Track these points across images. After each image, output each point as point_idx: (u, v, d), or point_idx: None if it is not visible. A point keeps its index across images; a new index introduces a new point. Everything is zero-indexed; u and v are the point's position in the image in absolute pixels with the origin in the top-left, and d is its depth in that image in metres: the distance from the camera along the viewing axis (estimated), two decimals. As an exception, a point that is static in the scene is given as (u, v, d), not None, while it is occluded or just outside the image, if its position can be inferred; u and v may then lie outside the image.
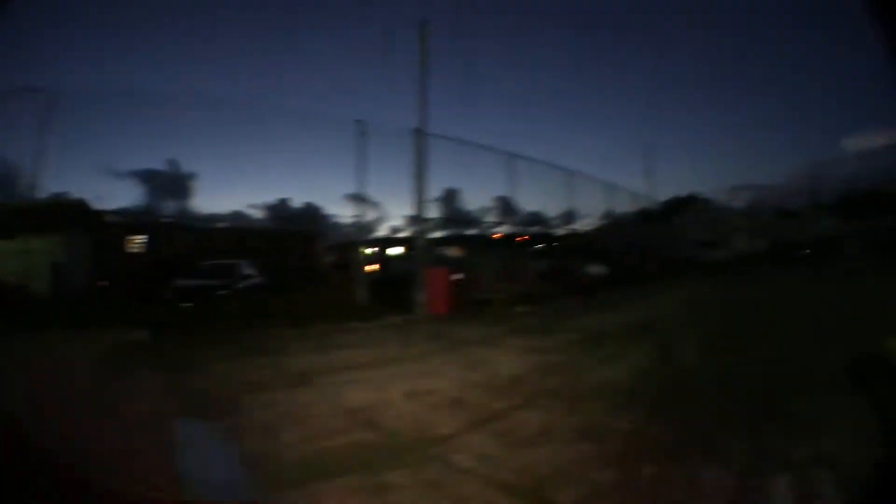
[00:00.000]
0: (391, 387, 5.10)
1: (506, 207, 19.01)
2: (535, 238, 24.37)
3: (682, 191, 46.27)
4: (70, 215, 14.81)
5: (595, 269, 16.50)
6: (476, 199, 26.47)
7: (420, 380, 5.40)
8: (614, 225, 25.89)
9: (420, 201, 13.36)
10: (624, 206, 28.35)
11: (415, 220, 13.46)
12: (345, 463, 3.10)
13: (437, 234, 19.80)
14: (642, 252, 24.33)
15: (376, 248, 20.32)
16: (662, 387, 4.92)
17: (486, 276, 13.73)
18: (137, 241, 16.55)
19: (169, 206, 17.13)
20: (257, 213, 17.94)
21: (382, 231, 23.63)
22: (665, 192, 33.43)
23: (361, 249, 13.78)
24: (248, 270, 15.15)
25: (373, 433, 3.73)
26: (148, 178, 15.81)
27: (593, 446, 3.31)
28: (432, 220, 14.51)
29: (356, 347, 7.62)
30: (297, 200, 16.95)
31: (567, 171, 21.95)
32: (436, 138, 14.81)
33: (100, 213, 15.91)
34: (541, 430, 3.69)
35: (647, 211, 29.85)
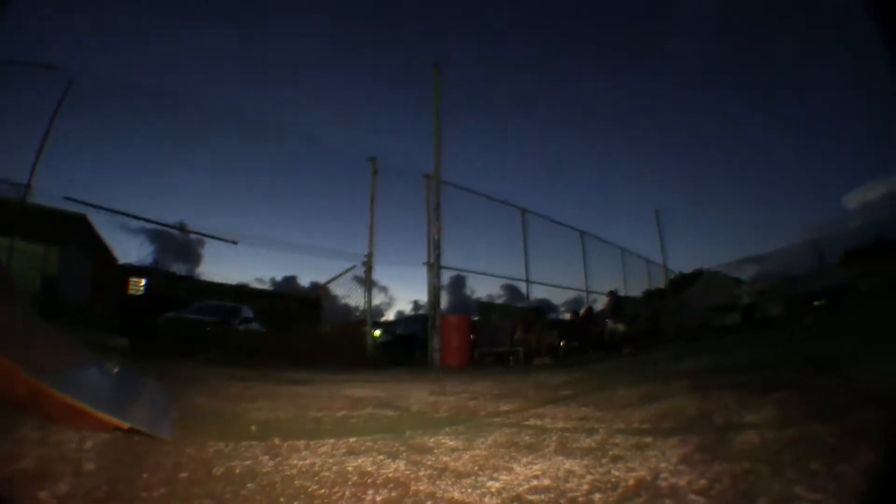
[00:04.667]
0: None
1: (513, 294, 18.88)
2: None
3: (688, 267, 47.86)
4: (68, 229, 14.31)
5: (615, 327, 16.85)
6: (484, 286, 26.03)
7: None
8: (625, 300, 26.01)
9: (434, 248, 13.48)
10: (638, 275, 29.01)
11: (428, 266, 13.54)
12: None
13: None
14: (656, 315, 24.74)
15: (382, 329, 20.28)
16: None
17: (503, 332, 14.00)
18: (140, 283, 16.58)
19: (178, 268, 16.96)
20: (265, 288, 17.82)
21: (390, 315, 23.41)
22: (674, 264, 33.73)
23: (370, 330, 13.67)
24: (249, 314, 15.05)
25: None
26: (157, 237, 15.63)
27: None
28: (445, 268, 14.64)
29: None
30: (304, 280, 16.71)
31: (582, 233, 22.42)
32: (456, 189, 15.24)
33: (99, 238, 15.67)
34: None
35: (653, 290, 30.84)
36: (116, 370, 3.60)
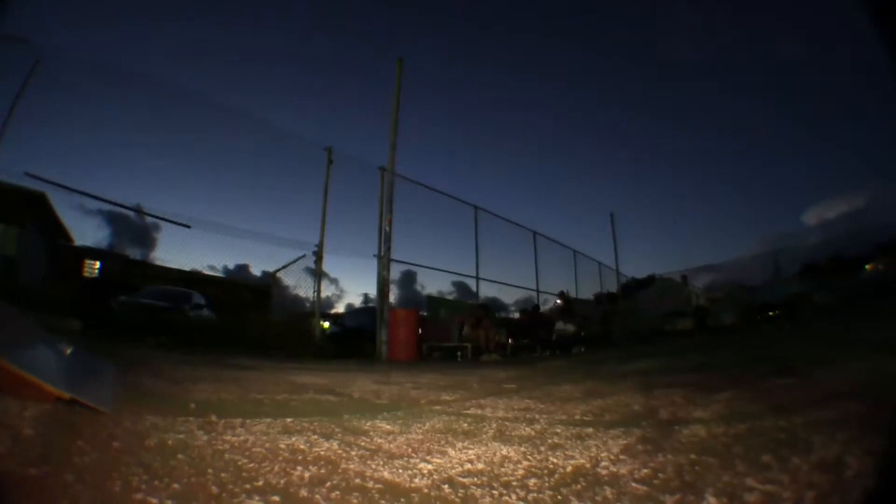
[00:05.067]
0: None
1: (463, 291, 18.69)
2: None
3: (641, 272, 48.26)
4: (28, 208, 13.95)
5: (564, 328, 16.92)
6: (434, 282, 25.68)
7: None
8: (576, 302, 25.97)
9: (385, 240, 13.36)
10: (590, 278, 29.07)
11: (378, 258, 13.41)
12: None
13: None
14: (607, 318, 24.57)
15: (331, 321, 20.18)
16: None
17: (453, 328, 14.03)
18: (94, 266, 16.38)
19: (133, 253, 16.64)
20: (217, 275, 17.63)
21: (340, 308, 23.26)
22: (627, 268, 33.82)
23: (319, 321, 13.56)
24: (200, 300, 15.02)
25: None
26: (113, 220, 15.28)
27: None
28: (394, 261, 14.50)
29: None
30: (256, 269, 16.49)
31: (534, 233, 22.29)
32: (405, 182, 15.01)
33: (57, 218, 15.35)
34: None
35: (605, 293, 31.02)
36: (66, 349, 3.52)
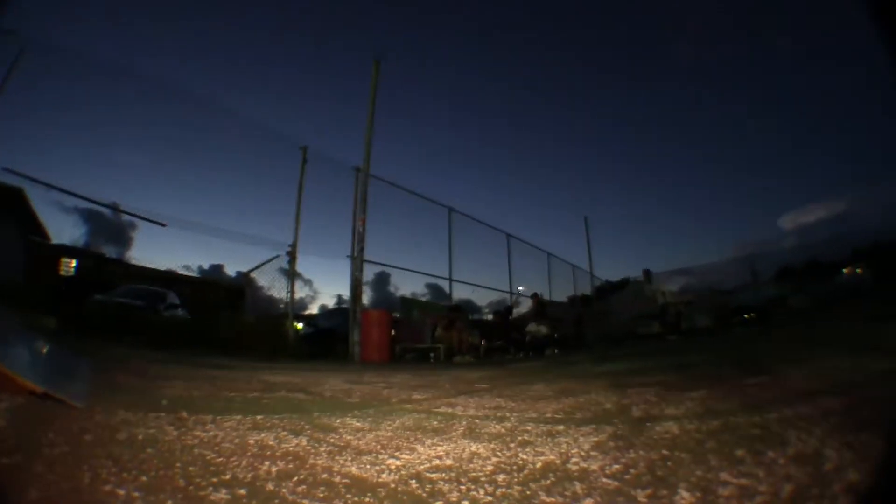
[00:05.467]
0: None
1: (437, 293, 18.65)
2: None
3: (615, 275, 48.37)
4: (4, 204, 13.75)
5: (537, 329, 16.88)
6: (408, 283, 25.58)
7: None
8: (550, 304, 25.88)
9: (358, 241, 13.35)
10: (564, 281, 29.19)
11: (351, 259, 13.39)
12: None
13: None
14: (580, 320, 24.53)
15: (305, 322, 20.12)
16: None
17: (426, 329, 14.04)
18: (70, 265, 16.22)
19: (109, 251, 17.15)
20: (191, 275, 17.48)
21: (314, 309, 23.16)
22: (600, 272, 33.85)
23: (292, 322, 13.53)
24: (175, 300, 15.08)
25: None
26: (90, 218, 15.07)
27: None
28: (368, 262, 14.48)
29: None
30: (231, 269, 16.28)
31: (508, 235, 22.52)
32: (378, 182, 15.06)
33: (34, 215, 15.15)
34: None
35: (578, 296, 31.03)
36: (41, 346, 3.56)
